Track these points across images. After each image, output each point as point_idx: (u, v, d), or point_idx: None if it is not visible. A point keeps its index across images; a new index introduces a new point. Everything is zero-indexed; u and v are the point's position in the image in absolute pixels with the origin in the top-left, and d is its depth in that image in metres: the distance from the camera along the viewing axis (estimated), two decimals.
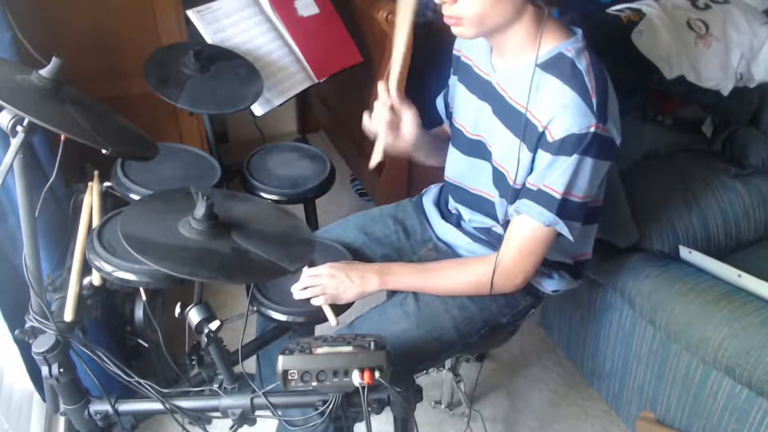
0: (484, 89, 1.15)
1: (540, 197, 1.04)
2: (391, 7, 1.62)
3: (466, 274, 1.17)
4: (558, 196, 1.02)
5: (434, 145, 1.30)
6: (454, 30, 1.03)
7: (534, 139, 1.03)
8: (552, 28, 1.03)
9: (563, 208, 1.03)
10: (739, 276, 1.37)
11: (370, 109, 1.17)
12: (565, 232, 1.06)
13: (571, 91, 0.99)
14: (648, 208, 1.56)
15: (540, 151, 1.03)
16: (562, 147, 0.99)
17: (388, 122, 1.15)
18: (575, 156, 0.99)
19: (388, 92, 1.15)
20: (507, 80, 1.09)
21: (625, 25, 1.61)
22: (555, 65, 1.02)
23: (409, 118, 1.16)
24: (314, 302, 1.13)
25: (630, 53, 1.58)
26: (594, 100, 0.99)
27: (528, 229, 1.07)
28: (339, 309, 1.15)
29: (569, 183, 1.01)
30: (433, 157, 1.33)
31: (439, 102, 1.37)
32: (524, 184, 1.07)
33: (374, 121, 1.17)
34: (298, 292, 1.14)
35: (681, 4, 1.69)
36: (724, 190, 1.60)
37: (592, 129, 0.97)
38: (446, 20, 1.02)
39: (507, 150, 1.09)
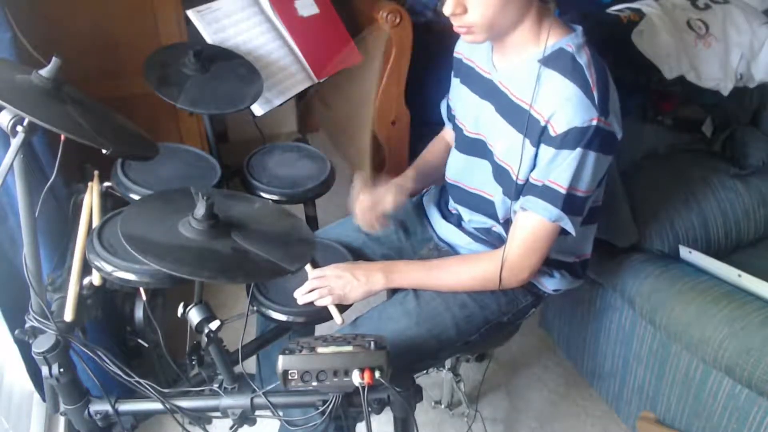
0: (485, 88, 1.15)
1: (545, 193, 1.04)
2: (391, 7, 1.62)
3: (472, 269, 1.17)
4: (563, 191, 1.03)
5: (428, 179, 1.38)
6: (466, 38, 1.04)
7: (536, 133, 1.03)
8: (553, 25, 1.04)
9: (568, 203, 1.04)
10: (739, 276, 1.37)
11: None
12: (569, 227, 1.07)
13: (572, 84, 1.00)
14: (648, 208, 1.56)
15: (543, 146, 1.03)
16: (564, 141, 0.99)
17: (372, 217, 1.23)
18: (578, 150, 0.99)
19: (359, 193, 1.24)
20: (509, 78, 1.10)
21: (625, 25, 1.61)
22: (556, 60, 1.03)
23: (389, 201, 1.24)
24: (320, 303, 1.13)
25: (630, 53, 1.58)
26: (595, 94, 0.99)
27: (533, 225, 1.08)
28: (342, 308, 1.15)
29: (573, 177, 1.01)
30: (434, 182, 1.40)
31: (443, 106, 1.37)
32: (528, 180, 1.07)
33: (365, 221, 1.25)
34: (302, 296, 1.14)
35: (681, 4, 1.69)
36: (724, 190, 1.60)
37: (594, 122, 0.98)
38: (457, 29, 1.03)
39: (510, 147, 1.09)
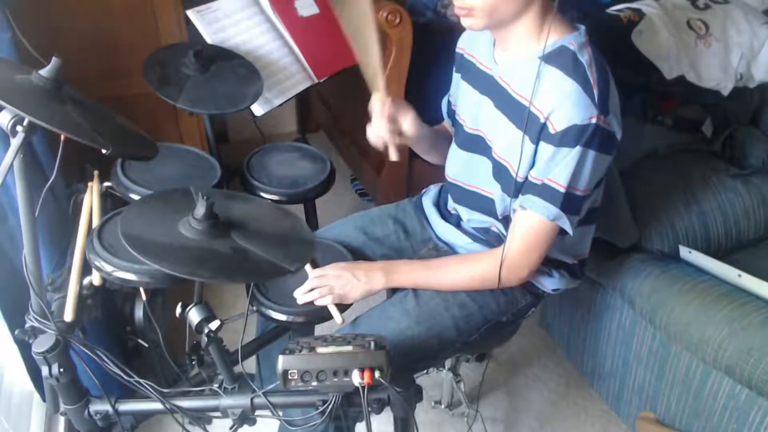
0: (486, 83, 1.15)
1: (544, 191, 1.04)
2: (391, 7, 1.62)
3: (471, 268, 1.17)
4: (562, 190, 1.03)
5: (435, 140, 1.31)
6: (464, 21, 1.03)
7: (536, 130, 1.03)
8: (556, 22, 1.04)
9: (567, 202, 1.04)
10: (739, 276, 1.37)
11: (369, 118, 1.17)
12: (567, 227, 1.07)
13: (572, 82, 0.99)
14: (648, 208, 1.56)
15: (542, 143, 1.03)
16: (564, 139, 0.99)
17: (389, 130, 1.14)
18: (578, 148, 0.99)
19: (381, 103, 1.14)
20: (509, 73, 1.09)
21: (625, 25, 1.61)
22: (557, 57, 1.02)
23: (408, 120, 1.16)
24: (321, 302, 1.13)
25: (630, 53, 1.58)
26: (595, 92, 0.99)
27: (532, 224, 1.08)
28: (342, 308, 1.15)
29: (572, 176, 1.01)
30: (434, 153, 1.34)
31: (444, 102, 1.37)
32: (527, 178, 1.07)
33: (376, 132, 1.16)
34: (302, 295, 1.14)
35: (681, 4, 1.69)
36: (724, 190, 1.60)
37: (594, 120, 0.98)
38: (457, 11, 1.02)
39: (509, 143, 1.09)
